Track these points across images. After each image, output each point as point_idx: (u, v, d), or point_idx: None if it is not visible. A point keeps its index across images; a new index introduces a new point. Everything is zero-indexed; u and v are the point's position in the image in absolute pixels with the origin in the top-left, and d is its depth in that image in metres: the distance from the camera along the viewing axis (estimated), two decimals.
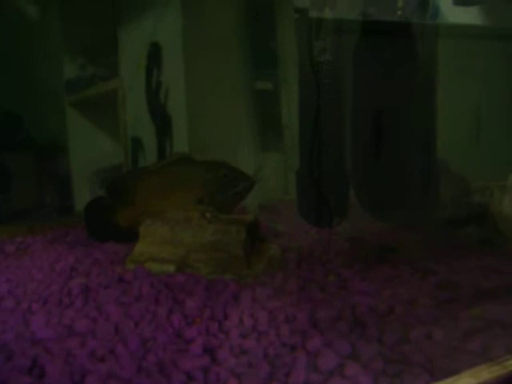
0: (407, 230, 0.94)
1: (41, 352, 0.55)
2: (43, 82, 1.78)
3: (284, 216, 1.07)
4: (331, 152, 0.92)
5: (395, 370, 0.49)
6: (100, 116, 1.91)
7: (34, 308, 0.67)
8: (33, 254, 0.94)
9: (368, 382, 0.48)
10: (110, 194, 0.91)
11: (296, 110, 1.02)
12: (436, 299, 0.64)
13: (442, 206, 0.95)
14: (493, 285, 0.68)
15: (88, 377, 0.50)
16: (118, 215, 0.92)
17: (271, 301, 0.64)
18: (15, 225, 1.18)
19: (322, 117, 0.91)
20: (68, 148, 1.86)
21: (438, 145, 1.00)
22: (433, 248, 0.86)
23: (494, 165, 1.16)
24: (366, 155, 0.96)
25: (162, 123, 1.39)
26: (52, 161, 1.89)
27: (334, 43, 0.96)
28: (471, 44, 1.22)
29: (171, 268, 0.77)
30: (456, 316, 0.59)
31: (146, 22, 1.46)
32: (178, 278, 0.74)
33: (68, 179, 1.86)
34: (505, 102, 1.32)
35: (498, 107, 1.31)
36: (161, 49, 1.42)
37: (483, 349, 0.52)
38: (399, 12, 1.00)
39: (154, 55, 1.43)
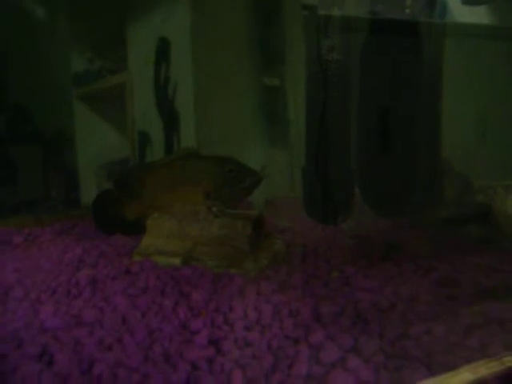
0: (410, 227, 0.95)
1: (50, 340, 0.56)
2: (51, 75, 1.80)
3: (289, 212, 1.08)
4: (337, 149, 0.93)
5: (395, 364, 0.50)
6: (107, 109, 1.92)
7: (42, 298, 0.69)
8: (41, 245, 0.95)
9: (369, 374, 0.49)
10: (118, 187, 0.93)
11: (302, 106, 1.03)
12: (437, 296, 0.65)
13: (445, 204, 0.96)
14: (493, 283, 0.69)
15: (96, 365, 0.51)
16: (126, 208, 0.93)
17: (275, 295, 0.65)
18: (22, 216, 1.19)
19: (329, 115, 0.92)
20: (75, 141, 1.87)
21: (443, 144, 1.01)
22: (435, 246, 0.87)
23: (500, 165, 1.17)
24: (372, 153, 0.97)
25: (170, 118, 1.40)
26: (59, 153, 1.90)
27: (341, 41, 0.96)
28: (478, 43, 1.23)
29: (177, 261, 0.78)
30: (456, 313, 0.60)
31: (155, 17, 1.47)
32: (184, 270, 0.75)
33: (75, 172, 1.87)
34: (511, 102, 1.32)
35: (504, 107, 1.31)
36: (169, 44, 1.42)
37: (481, 345, 0.53)
38: (407, 10, 1.01)
39: (163, 50, 1.44)
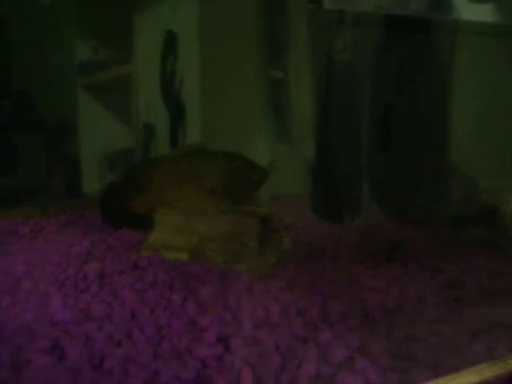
0: (417, 227, 0.96)
1: (61, 334, 0.57)
2: (55, 64, 1.80)
3: (296, 208, 1.08)
4: (346, 148, 0.93)
5: (402, 365, 0.51)
6: (112, 100, 1.92)
7: (51, 291, 0.69)
8: (47, 236, 0.96)
9: (376, 376, 0.49)
10: (126, 180, 0.93)
11: (305, 100, 1.03)
12: (443, 298, 0.65)
13: (451, 204, 0.97)
14: (498, 286, 0.70)
15: (107, 360, 0.52)
16: (133, 203, 0.93)
17: (283, 293, 0.66)
18: (28, 206, 1.20)
19: (338, 113, 0.92)
20: (78, 130, 1.87)
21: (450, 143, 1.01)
22: (441, 246, 0.87)
23: (503, 164, 1.17)
24: (380, 152, 0.97)
25: (176, 111, 1.41)
26: (62, 142, 1.90)
27: (348, 36, 0.97)
28: (483, 41, 1.23)
29: (185, 256, 0.79)
30: (462, 315, 0.61)
31: (163, 9, 1.47)
32: (192, 266, 0.76)
33: (78, 161, 1.87)
34: None
35: (508, 106, 1.31)
36: (176, 37, 1.43)
37: (487, 348, 0.54)
38: (413, 6, 1.01)
39: (170, 43, 1.44)
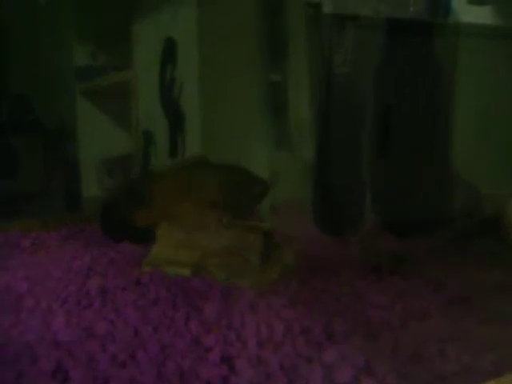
0: (420, 240, 0.95)
1: (64, 355, 0.56)
2: (53, 68, 1.80)
3: (297, 220, 1.08)
4: (347, 162, 0.93)
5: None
6: (110, 106, 1.92)
7: (53, 308, 0.69)
8: (48, 250, 0.96)
9: None
10: (127, 194, 0.93)
11: (304, 104, 1.03)
12: (447, 314, 0.65)
13: (454, 216, 0.96)
14: (503, 301, 0.70)
15: (111, 382, 0.52)
16: (134, 216, 0.93)
17: (287, 310, 0.66)
18: (28, 217, 1.19)
19: (339, 127, 0.92)
20: (77, 135, 1.87)
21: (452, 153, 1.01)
22: (445, 260, 0.87)
23: (507, 171, 1.17)
24: (382, 163, 0.97)
25: (175, 119, 1.40)
26: (60, 147, 1.90)
27: (346, 40, 0.96)
28: (482, 43, 1.23)
29: (187, 272, 0.78)
30: (467, 333, 0.61)
31: (162, 16, 1.47)
32: (194, 282, 0.75)
33: (76, 166, 1.87)
34: None
35: (508, 109, 1.31)
36: (176, 44, 1.42)
37: (493, 366, 0.53)
38: (412, 8, 1.01)
39: (169, 50, 1.44)
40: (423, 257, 0.89)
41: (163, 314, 0.66)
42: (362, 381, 0.51)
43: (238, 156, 1.05)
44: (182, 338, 0.60)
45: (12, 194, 1.59)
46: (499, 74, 1.26)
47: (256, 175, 0.92)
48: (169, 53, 1.44)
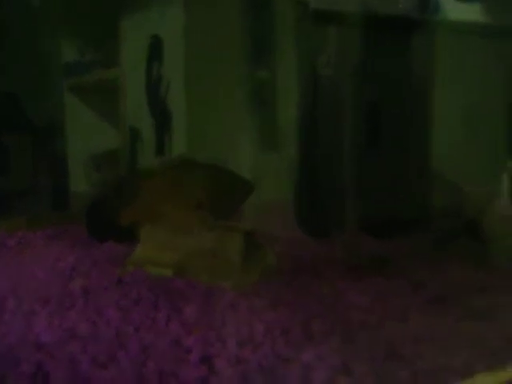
0: (401, 241, 0.96)
1: (45, 357, 0.57)
2: (41, 64, 1.79)
3: (280, 221, 1.08)
4: (331, 162, 0.94)
5: None
6: (98, 102, 1.92)
7: (36, 309, 0.69)
8: (33, 250, 0.96)
9: None
10: (112, 193, 0.93)
11: (291, 103, 1.03)
12: (425, 314, 0.66)
13: (435, 216, 0.97)
14: (481, 302, 0.71)
15: None
16: (119, 215, 0.93)
17: (267, 311, 0.66)
18: (15, 216, 1.19)
19: (323, 128, 0.92)
20: (65, 131, 1.87)
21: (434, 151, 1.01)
22: (425, 260, 0.88)
23: (488, 167, 1.18)
24: (361, 163, 0.98)
25: (162, 118, 1.41)
26: (49, 143, 1.89)
27: (334, 37, 0.97)
28: (470, 41, 1.23)
29: (169, 272, 0.79)
30: (445, 332, 0.62)
31: (149, 14, 1.47)
32: (176, 282, 0.76)
33: (65, 162, 1.87)
34: (502, 102, 1.32)
35: (494, 106, 1.31)
36: (162, 42, 1.42)
37: (470, 365, 0.54)
38: (400, 5, 1.01)
39: (155, 48, 1.44)
40: (404, 257, 0.89)
41: (145, 315, 0.66)
42: (339, 381, 0.52)
43: (223, 155, 1.05)
44: (163, 339, 0.61)
45: (2, 192, 1.58)
46: (488, 72, 1.27)
47: (240, 175, 0.92)
48: (155, 50, 1.44)
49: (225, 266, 0.78)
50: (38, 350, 0.59)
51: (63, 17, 1.78)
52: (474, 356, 0.56)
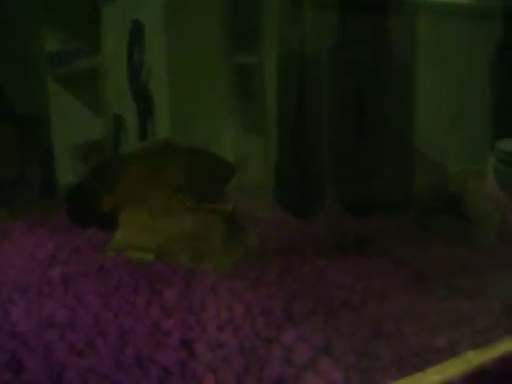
0: (384, 219, 0.95)
1: (20, 345, 0.56)
2: (23, 54, 1.77)
3: (263, 202, 1.07)
4: (310, 141, 0.93)
5: (366, 364, 0.51)
6: (83, 91, 1.90)
7: (13, 298, 0.68)
8: (12, 239, 0.94)
9: (340, 376, 0.49)
10: (93, 179, 0.91)
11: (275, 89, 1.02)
12: (408, 292, 0.65)
13: (418, 194, 0.96)
14: (463, 279, 0.70)
15: (67, 372, 0.51)
16: (101, 201, 0.92)
17: (248, 292, 0.65)
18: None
19: (303, 104, 0.91)
20: (50, 121, 1.85)
21: (416, 130, 1.01)
22: (407, 238, 0.87)
23: (474, 149, 1.17)
24: (343, 142, 0.97)
25: (144, 102, 1.39)
26: (33, 133, 1.87)
27: (317, 20, 0.95)
28: (456, 22, 1.22)
29: (151, 256, 0.78)
30: (427, 310, 0.61)
31: None
32: (157, 266, 0.75)
33: (50, 152, 1.85)
34: (486, 85, 1.32)
35: (480, 90, 1.31)
36: (142, 26, 1.41)
37: (450, 345, 0.53)
38: None
39: (136, 32, 1.42)
40: (387, 235, 0.89)
41: (124, 300, 0.65)
42: (320, 361, 0.51)
43: (207, 139, 1.04)
44: (142, 324, 0.60)
45: None
46: (472, 54, 1.26)
47: (222, 158, 0.91)
48: (136, 35, 1.42)
49: (206, 248, 0.76)
50: (13, 338, 0.57)
51: (45, 6, 1.75)
52: (458, 335, 0.55)
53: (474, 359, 0.49)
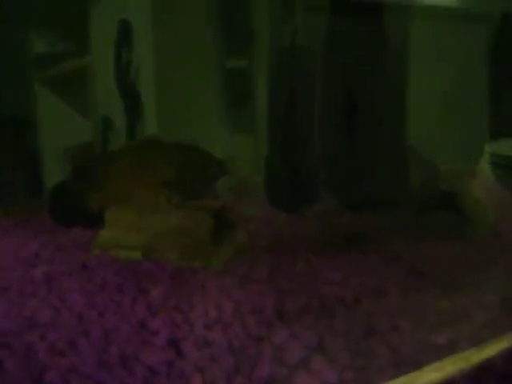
0: (377, 214, 0.94)
1: (1, 345, 0.53)
2: (11, 56, 1.75)
3: (253, 200, 1.06)
4: (302, 136, 0.91)
5: (361, 363, 0.49)
6: (71, 93, 1.88)
7: None
8: None
9: (333, 376, 0.47)
10: (77, 178, 0.89)
11: (264, 90, 1.01)
12: (403, 289, 0.63)
13: (411, 191, 0.95)
14: (458, 274, 0.68)
15: (48, 372, 0.49)
16: (86, 200, 0.89)
17: (237, 290, 0.63)
18: None
19: (294, 100, 0.90)
20: (38, 124, 1.83)
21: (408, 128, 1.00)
22: (401, 234, 0.86)
23: (464, 149, 1.16)
24: (335, 138, 0.95)
25: (132, 103, 1.37)
26: (21, 135, 1.85)
27: (307, 21, 0.94)
28: (450, 26, 1.22)
29: (138, 254, 0.75)
30: (423, 307, 0.59)
31: None
32: (145, 265, 0.73)
33: (37, 154, 1.83)
34: (477, 86, 1.32)
35: (473, 90, 1.30)
36: (130, 25, 1.39)
37: (449, 342, 0.52)
38: None
39: (124, 32, 1.40)
40: (381, 232, 0.87)
41: (109, 299, 0.63)
42: (313, 360, 0.49)
43: (196, 139, 1.02)
44: (128, 323, 0.58)
45: None
46: (462, 56, 1.26)
47: (212, 155, 0.89)
48: (123, 35, 1.40)
49: (195, 245, 0.74)
50: None
51: (33, 7, 1.74)
52: (456, 331, 0.53)
53: (473, 356, 0.47)
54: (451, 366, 0.46)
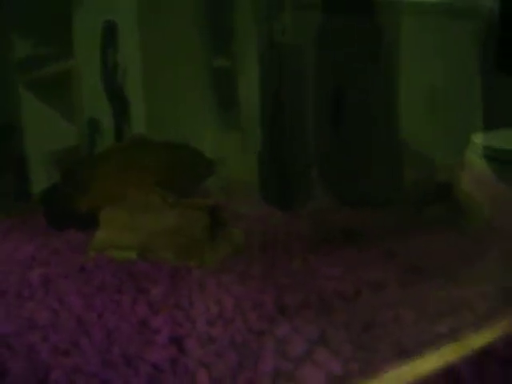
0: (372, 210, 0.94)
1: (2, 348, 0.53)
2: None
3: (247, 198, 1.06)
4: (294, 132, 0.91)
5: (363, 354, 0.49)
6: (56, 96, 1.87)
7: None
8: None
9: (338, 367, 0.47)
10: (66, 181, 0.89)
11: (253, 87, 1.01)
12: (401, 282, 0.64)
13: (406, 185, 0.96)
14: (454, 266, 0.69)
15: (53, 372, 0.49)
16: (77, 202, 0.89)
17: (237, 287, 0.64)
18: None
19: (285, 97, 0.90)
20: (22, 129, 1.81)
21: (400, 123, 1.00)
22: (397, 228, 0.86)
23: (453, 143, 1.17)
24: (327, 135, 0.96)
25: (119, 104, 1.37)
26: (5, 141, 1.84)
27: (295, 18, 0.95)
28: (438, 21, 1.22)
29: (133, 254, 0.75)
30: (422, 298, 0.60)
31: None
32: (141, 265, 0.73)
33: (23, 161, 1.82)
34: (465, 81, 1.33)
35: (458, 86, 1.31)
36: (116, 27, 1.38)
37: (450, 330, 0.52)
38: None
39: (109, 33, 1.40)
40: (377, 227, 0.87)
41: (109, 300, 0.63)
42: (317, 352, 0.49)
43: (185, 138, 1.02)
44: (129, 322, 0.58)
45: None
46: (451, 52, 1.26)
47: (202, 154, 0.89)
48: (108, 36, 1.39)
49: (190, 245, 0.74)
50: None
51: (15, 10, 1.73)
52: (457, 322, 0.54)
53: (474, 342, 0.48)
54: (452, 352, 0.47)
